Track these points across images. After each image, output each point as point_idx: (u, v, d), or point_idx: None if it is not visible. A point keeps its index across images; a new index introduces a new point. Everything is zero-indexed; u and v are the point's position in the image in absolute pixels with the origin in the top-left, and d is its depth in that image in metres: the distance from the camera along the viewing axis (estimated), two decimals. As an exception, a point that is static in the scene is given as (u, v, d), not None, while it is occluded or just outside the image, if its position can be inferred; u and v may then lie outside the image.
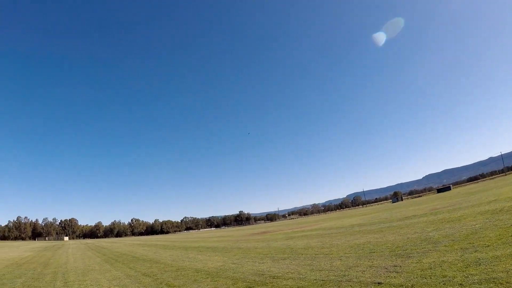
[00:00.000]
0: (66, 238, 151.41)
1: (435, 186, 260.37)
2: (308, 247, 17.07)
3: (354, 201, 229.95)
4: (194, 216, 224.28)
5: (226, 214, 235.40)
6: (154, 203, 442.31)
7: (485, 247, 8.82)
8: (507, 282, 5.80)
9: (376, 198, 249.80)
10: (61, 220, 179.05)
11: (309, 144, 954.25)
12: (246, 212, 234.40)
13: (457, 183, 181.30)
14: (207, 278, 11.26)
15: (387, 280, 7.42)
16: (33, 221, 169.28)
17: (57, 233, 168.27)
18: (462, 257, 8.20)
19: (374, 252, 11.67)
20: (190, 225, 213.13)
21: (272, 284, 8.98)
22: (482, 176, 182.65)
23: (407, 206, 51.23)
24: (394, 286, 6.93)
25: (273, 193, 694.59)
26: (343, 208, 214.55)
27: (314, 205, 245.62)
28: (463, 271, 7.00)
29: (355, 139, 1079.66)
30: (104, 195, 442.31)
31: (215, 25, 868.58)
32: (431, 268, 7.76)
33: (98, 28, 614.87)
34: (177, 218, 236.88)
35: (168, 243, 44.36)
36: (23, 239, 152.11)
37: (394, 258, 9.98)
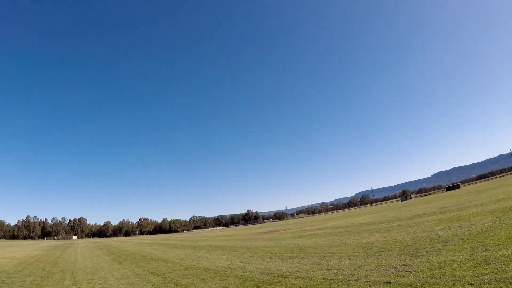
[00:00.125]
0: (75, 237, 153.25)
1: (444, 184, 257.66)
2: (316, 246, 17.09)
3: (363, 200, 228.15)
4: (203, 215, 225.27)
5: (235, 213, 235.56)
6: (163, 202, 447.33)
7: (495, 246, 8.75)
8: (518, 281, 5.75)
9: (384, 197, 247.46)
10: (70, 219, 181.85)
11: (318, 143, 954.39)
12: (254, 211, 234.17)
13: (466, 181, 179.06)
14: (216, 277, 11.34)
15: (396, 280, 7.41)
16: (42, 220, 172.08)
17: (66, 232, 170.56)
18: (472, 256, 8.15)
19: (383, 251, 11.65)
20: (199, 224, 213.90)
21: (280, 283, 9.02)
22: (492, 174, 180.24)
23: (416, 204, 50.76)
24: (403, 285, 6.92)
25: (281, 192, 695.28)
26: (352, 207, 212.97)
27: (322, 204, 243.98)
28: (473, 270, 6.96)
29: (364, 138, 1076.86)
30: (112, 194, 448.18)
31: (215, 25, 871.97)
32: (440, 268, 7.72)
33: (98, 28, 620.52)
34: (185, 217, 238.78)
35: (176, 242, 44.72)
36: (32, 238, 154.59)
37: (403, 257, 9.95)
